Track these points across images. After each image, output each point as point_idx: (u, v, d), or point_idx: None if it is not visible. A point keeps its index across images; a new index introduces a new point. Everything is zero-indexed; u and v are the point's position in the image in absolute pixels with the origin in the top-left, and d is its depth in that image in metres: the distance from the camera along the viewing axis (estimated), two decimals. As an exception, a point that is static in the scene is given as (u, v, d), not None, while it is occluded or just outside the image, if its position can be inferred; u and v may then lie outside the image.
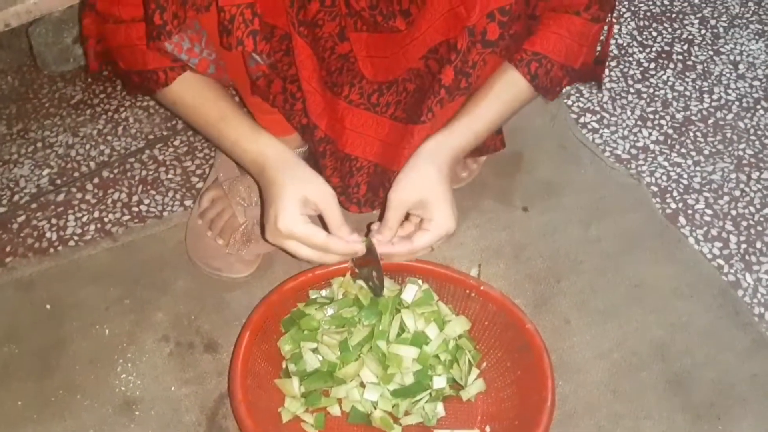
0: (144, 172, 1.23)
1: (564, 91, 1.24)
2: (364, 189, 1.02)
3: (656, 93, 1.38)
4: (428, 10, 0.88)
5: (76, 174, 1.22)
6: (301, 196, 0.86)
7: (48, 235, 1.14)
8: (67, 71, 1.36)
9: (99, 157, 1.25)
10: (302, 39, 0.87)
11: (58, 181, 1.21)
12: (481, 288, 0.97)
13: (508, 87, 0.93)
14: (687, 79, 1.41)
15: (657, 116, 1.34)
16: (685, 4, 1.54)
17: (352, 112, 0.98)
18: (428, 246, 0.89)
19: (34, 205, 1.18)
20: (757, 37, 1.49)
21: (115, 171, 1.23)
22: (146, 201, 1.19)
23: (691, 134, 1.32)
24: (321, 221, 0.89)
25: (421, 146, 0.91)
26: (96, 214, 1.17)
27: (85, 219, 1.16)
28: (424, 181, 0.89)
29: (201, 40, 0.86)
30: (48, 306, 1.05)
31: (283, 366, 0.95)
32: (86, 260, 1.11)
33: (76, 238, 1.14)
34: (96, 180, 1.21)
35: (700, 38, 1.48)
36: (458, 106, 0.97)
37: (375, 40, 0.94)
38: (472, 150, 0.97)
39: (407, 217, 0.93)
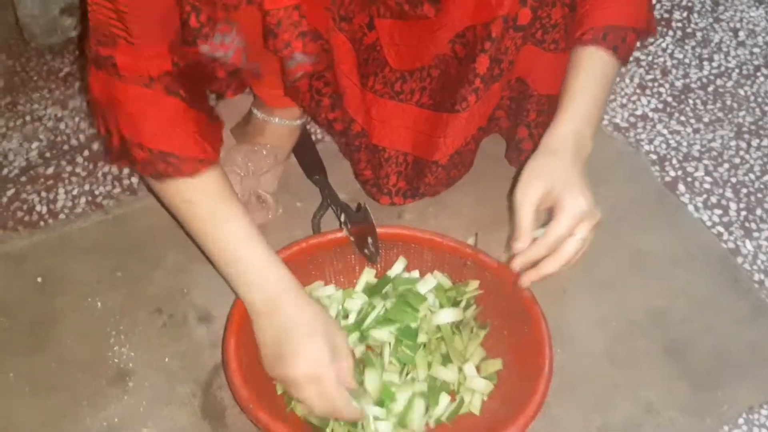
0: (135, 145, 1.20)
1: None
2: (394, 179, 1.02)
3: (655, 61, 1.36)
4: None
5: (66, 147, 1.20)
6: (330, 344, 0.83)
7: (38, 208, 1.12)
8: (55, 43, 1.34)
9: (89, 130, 1.23)
10: (342, 34, 0.85)
11: (48, 155, 1.19)
12: (478, 256, 0.95)
13: (595, 65, 0.89)
14: (686, 47, 1.39)
15: (656, 84, 1.32)
16: (684, -29, 1.52)
17: (377, 102, 0.97)
18: (566, 233, 0.81)
19: (23, 179, 1.16)
20: (757, 3, 1.46)
21: (106, 143, 1.21)
22: (137, 174, 1.17)
23: (691, 102, 1.30)
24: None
25: (539, 146, 0.86)
26: (86, 187, 1.15)
27: (75, 192, 1.15)
28: (546, 171, 0.84)
29: (231, 29, 0.83)
30: (39, 279, 1.04)
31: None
32: (77, 233, 1.09)
33: (66, 211, 1.12)
34: (86, 153, 1.20)
35: (700, 5, 1.46)
36: (494, 96, 0.96)
37: (400, 28, 0.93)
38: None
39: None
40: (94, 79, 0.80)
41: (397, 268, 0.98)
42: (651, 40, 1.39)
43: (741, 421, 0.96)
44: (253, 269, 0.83)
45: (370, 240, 0.90)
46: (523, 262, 0.83)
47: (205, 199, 0.83)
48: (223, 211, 0.84)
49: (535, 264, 0.84)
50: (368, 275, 0.99)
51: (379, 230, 0.96)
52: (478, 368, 0.93)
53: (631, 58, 1.33)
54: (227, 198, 0.84)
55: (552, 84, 0.97)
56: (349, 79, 0.91)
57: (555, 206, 0.82)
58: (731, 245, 1.11)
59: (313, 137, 1.18)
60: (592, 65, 0.88)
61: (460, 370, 0.92)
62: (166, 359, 0.97)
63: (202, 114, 0.83)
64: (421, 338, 0.91)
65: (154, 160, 0.80)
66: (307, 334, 0.81)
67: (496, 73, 0.89)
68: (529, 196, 0.83)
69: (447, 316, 0.92)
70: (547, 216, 0.85)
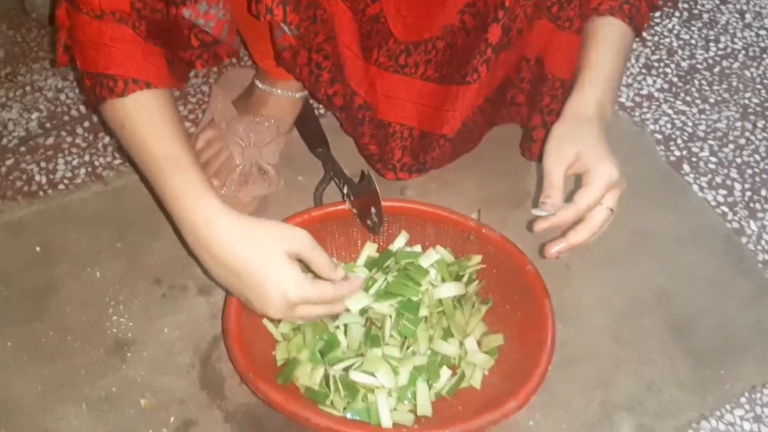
0: (136, 116, 1.19)
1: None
2: (399, 154, 1.01)
3: (661, 41, 1.35)
4: None
5: (66, 117, 1.19)
6: (286, 254, 0.75)
7: (37, 178, 1.11)
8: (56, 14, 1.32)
9: (81, 93, 1.21)
10: (343, 2, 0.84)
11: (48, 125, 1.18)
12: (481, 230, 0.95)
13: (614, 34, 0.88)
14: (693, 28, 1.37)
15: (662, 64, 1.31)
16: (692, -48, 1.51)
17: (381, 75, 0.96)
18: (595, 201, 0.79)
19: (23, 149, 1.15)
20: (764, -14, 1.45)
21: (106, 115, 1.20)
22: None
23: (697, 82, 1.29)
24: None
25: (562, 113, 0.85)
26: (86, 158, 1.14)
27: (75, 162, 1.14)
28: (575, 136, 0.82)
29: (219, 0, 0.81)
30: (38, 249, 1.03)
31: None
32: (77, 204, 1.08)
33: (66, 181, 1.11)
34: (86, 124, 1.18)
35: (707, -14, 1.45)
36: (502, 64, 0.95)
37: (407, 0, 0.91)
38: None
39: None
40: (60, 9, 0.81)
41: (399, 242, 0.97)
42: (657, 20, 1.38)
43: (743, 399, 0.95)
44: (176, 200, 0.76)
45: (373, 210, 0.89)
46: (548, 226, 0.81)
47: (135, 120, 0.78)
48: (150, 133, 0.77)
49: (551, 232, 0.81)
50: (370, 249, 0.98)
51: (384, 204, 0.95)
52: (479, 343, 0.92)
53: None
54: (159, 119, 0.78)
55: (566, 67, 0.96)
56: (350, 50, 0.89)
57: (585, 174, 0.80)
58: (736, 225, 1.11)
59: (316, 110, 1.17)
60: (610, 34, 0.87)
61: (461, 344, 0.91)
62: (165, 330, 0.96)
63: (154, 48, 0.80)
64: (423, 312, 0.90)
65: (93, 84, 0.78)
66: (259, 268, 0.74)
67: (505, 42, 0.88)
68: (559, 158, 0.81)
69: (449, 290, 0.92)
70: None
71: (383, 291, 0.91)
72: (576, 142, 0.81)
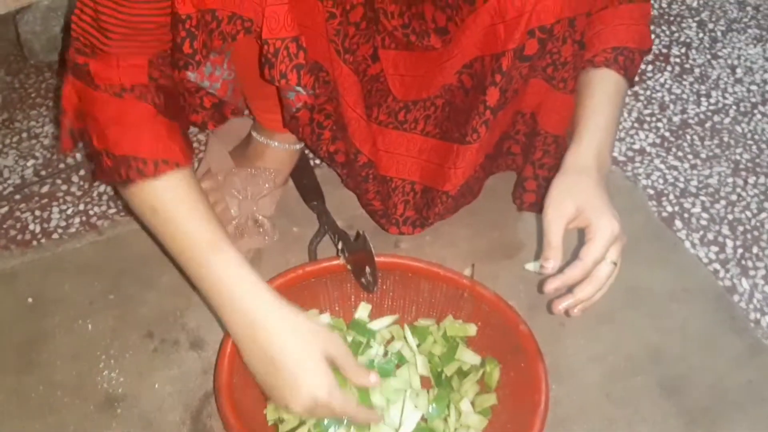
0: (132, 165, 1.20)
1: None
2: (401, 209, 1.01)
3: (653, 96, 1.37)
4: (469, 27, 0.86)
5: (62, 165, 1.19)
6: (327, 355, 0.76)
7: (31, 227, 1.11)
8: (54, 61, 1.34)
9: (85, 149, 1.22)
10: (347, 66, 0.85)
11: (43, 173, 1.18)
12: (475, 288, 0.95)
13: (609, 85, 0.90)
14: (684, 83, 1.39)
15: (654, 119, 1.33)
16: (683, 8, 1.53)
17: (381, 132, 0.97)
18: (601, 256, 0.80)
19: (17, 197, 1.15)
20: (755, 41, 1.47)
21: (102, 163, 1.20)
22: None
23: (688, 137, 1.30)
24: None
25: (563, 164, 0.86)
26: (81, 207, 1.14)
27: (69, 211, 1.14)
28: (576, 190, 0.83)
29: (224, 61, 0.82)
30: (30, 299, 1.02)
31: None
32: (70, 253, 1.08)
33: (60, 230, 1.11)
34: (81, 172, 1.19)
35: (698, 42, 1.47)
36: (500, 123, 0.96)
37: (405, 59, 0.93)
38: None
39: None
40: (70, 87, 0.79)
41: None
42: (649, 74, 1.40)
43: (736, 461, 0.95)
44: (223, 286, 0.76)
45: (368, 269, 0.89)
46: (558, 285, 0.81)
47: (169, 203, 0.77)
48: (186, 216, 0.77)
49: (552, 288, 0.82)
50: (364, 311, 0.97)
51: (378, 259, 0.95)
52: (472, 403, 0.92)
53: (629, 92, 1.35)
54: (193, 201, 0.78)
55: (558, 124, 0.98)
56: (354, 111, 0.90)
57: (587, 228, 0.81)
58: (728, 283, 1.11)
59: (312, 162, 1.18)
60: (606, 86, 0.89)
61: (455, 407, 0.91)
62: (156, 385, 0.96)
63: (174, 123, 0.80)
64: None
65: (118, 165, 0.76)
66: (298, 362, 0.75)
67: (502, 102, 0.89)
68: (560, 214, 0.82)
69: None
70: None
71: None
72: (576, 197, 0.82)
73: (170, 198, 0.77)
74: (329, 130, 0.90)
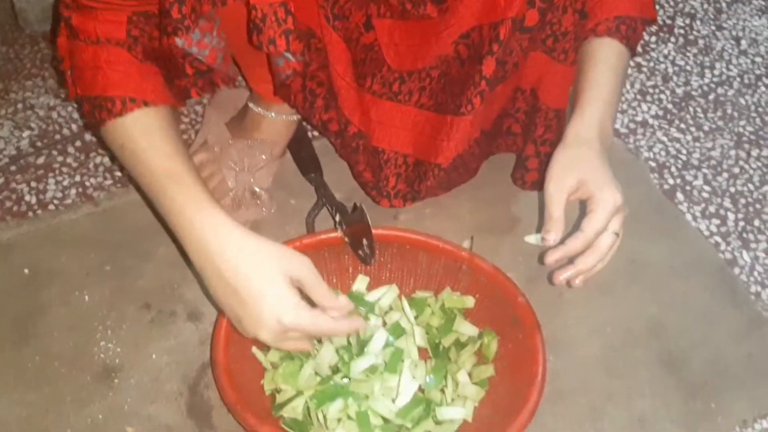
0: (128, 136, 1.19)
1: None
2: (393, 181, 1.00)
3: (657, 67, 1.35)
4: None
5: (58, 136, 1.18)
6: (288, 279, 0.74)
7: (27, 198, 1.10)
8: (49, 31, 1.32)
9: (81, 120, 1.20)
10: (336, 33, 0.83)
11: (39, 144, 1.17)
12: (473, 260, 0.94)
13: (611, 55, 0.88)
14: (688, 54, 1.37)
15: (657, 90, 1.31)
16: (688, -22, 1.51)
17: (375, 103, 0.95)
18: (603, 227, 0.80)
19: (13, 168, 1.14)
20: (759, 13, 1.45)
21: (98, 135, 1.19)
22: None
23: (691, 110, 1.29)
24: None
25: (564, 136, 0.84)
26: (77, 178, 1.13)
27: (66, 183, 1.13)
28: (577, 162, 0.82)
29: (213, 28, 0.80)
30: (26, 271, 1.02)
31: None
32: (66, 225, 1.07)
33: (56, 202, 1.10)
34: (78, 143, 1.17)
35: (703, 13, 1.45)
36: (498, 98, 0.94)
37: (401, 28, 0.91)
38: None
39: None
40: (61, 38, 0.81)
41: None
42: (653, 45, 1.38)
43: (734, 434, 0.95)
44: (183, 218, 0.75)
45: (365, 241, 0.89)
46: (560, 257, 0.80)
47: (134, 138, 0.77)
48: (147, 148, 0.77)
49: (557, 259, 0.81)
50: (361, 283, 0.97)
51: (376, 232, 0.95)
52: (469, 374, 0.91)
53: (632, 63, 1.33)
54: (157, 135, 0.78)
55: (559, 98, 0.96)
56: (343, 80, 0.89)
57: (589, 200, 0.80)
58: (728, 256, 1.10)
59: (310, 134, 1.17)
60: (608, 55, 0.87)
61: (453, 378, 0.90)
62: (153, 356, 0.95)
63: (152, 68, 0.80)
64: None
65: (92, 108, 0.78)
66: (259, 289, 0.73)
67: (500, 75, 0.88)
68: (561, 186, 0.81)
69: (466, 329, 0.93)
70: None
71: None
72: (578, 169, 0.81)
73: (136, 133, 0.78)
74: (322, 98, 0.88)
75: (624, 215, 0.82)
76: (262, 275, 0.73)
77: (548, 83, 0.95)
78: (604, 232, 0.81)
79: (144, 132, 0.78)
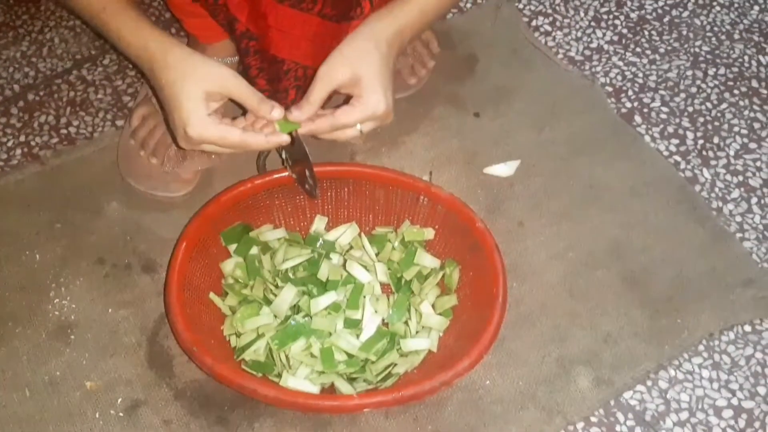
0: (72, 94, 1.15)
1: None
2: (293, 94, 0.95)
3: (610, -7, 1.33)
4: None
5: (0, 98, 1.14)
6: (202, 92, 0.78)
7: (-29, 161, 1.07)
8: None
9: (23, 80, 1.17)
10: None
11: (-20, 106, 1.13)
12: (430, 189, 0.93)
13: None
14: (641, -22, 1.35)
15: (611, 16, 1.29)
16: None
17: (276, 9, 0.90)
18: (353, 123, 0.82)
19: (-46, 132, 1.10)
20: (712, -67, 1.43)
21: (41, 93, 1.15)
22: (75, 123, 1.12)
23: (647, 33, 1.27)
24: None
25: (358, 28, 0.83)
26: (22, 138, 1.10)
27: (10, 144, 1.09)
28: (359, 56, 0.81)
29: None
30: (-26, 234, 0.99)
31: (223, 282, 0.91)
32: (13, 186, 1.04)
33: (1, 163, 1.07)
34: (21, 103, 1.14)
35: (654, -64, 1.42)
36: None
37: None
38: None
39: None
40: None
41: (318, 225, 0.96)
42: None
43: (701, 347, 0.95)
44: (121, 39, 0.81)
45: (307, 173, 0.87)
46: (305, 132, 0.84)
47: None
48: None
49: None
50: (320, 223, 0.95)
51: (330, 168, 0.93)
52: (433, 305, 0.91)
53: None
54: None
55: None
56: None
57: (355, 96, 0.82)
58: (689, 174, 1.10)
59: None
60: None
61: (416, 310, 0.89)
62: (110, 310, 0.93)
63: None
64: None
65: None
66: (176, 102, 0.78)
67: None
68: (332, 76, 0.81)
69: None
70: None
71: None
72: (356, 65, 0.81)
73: None
74: None
75: (380, 123, 0.83)
76: (180, 88, 0.78)
77: None
78: (353, 128, 0.83)
79: None
